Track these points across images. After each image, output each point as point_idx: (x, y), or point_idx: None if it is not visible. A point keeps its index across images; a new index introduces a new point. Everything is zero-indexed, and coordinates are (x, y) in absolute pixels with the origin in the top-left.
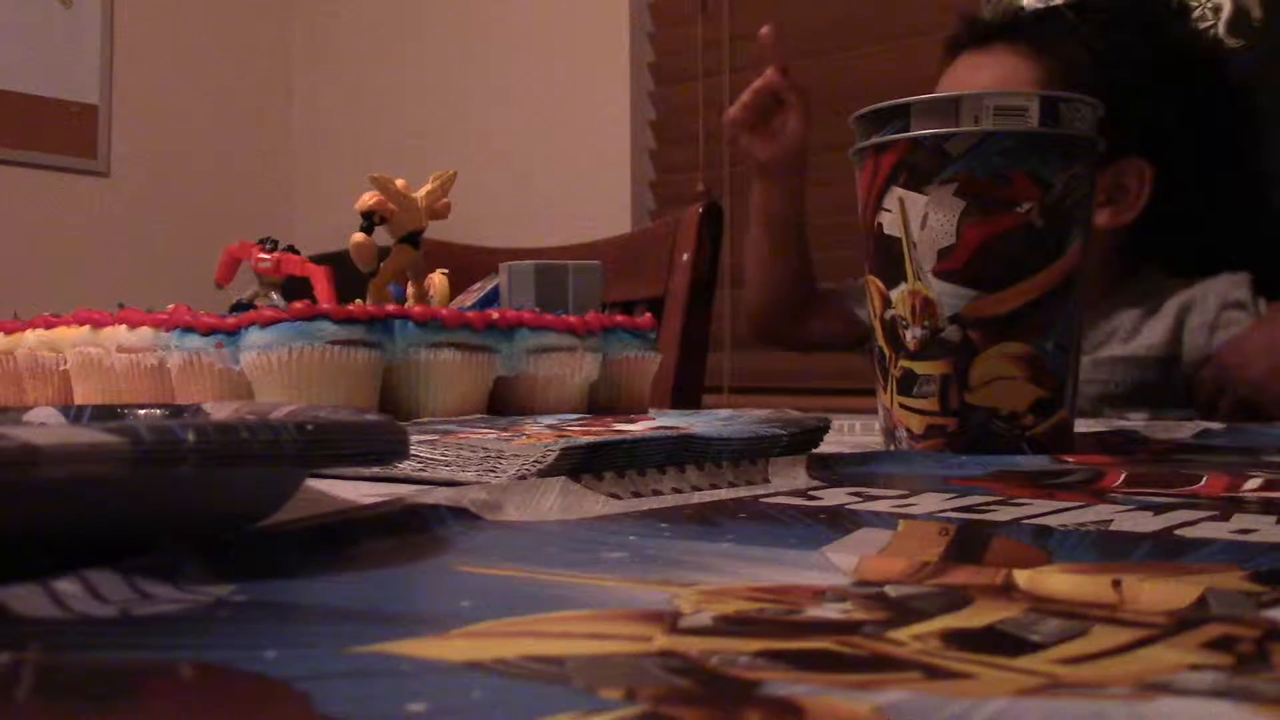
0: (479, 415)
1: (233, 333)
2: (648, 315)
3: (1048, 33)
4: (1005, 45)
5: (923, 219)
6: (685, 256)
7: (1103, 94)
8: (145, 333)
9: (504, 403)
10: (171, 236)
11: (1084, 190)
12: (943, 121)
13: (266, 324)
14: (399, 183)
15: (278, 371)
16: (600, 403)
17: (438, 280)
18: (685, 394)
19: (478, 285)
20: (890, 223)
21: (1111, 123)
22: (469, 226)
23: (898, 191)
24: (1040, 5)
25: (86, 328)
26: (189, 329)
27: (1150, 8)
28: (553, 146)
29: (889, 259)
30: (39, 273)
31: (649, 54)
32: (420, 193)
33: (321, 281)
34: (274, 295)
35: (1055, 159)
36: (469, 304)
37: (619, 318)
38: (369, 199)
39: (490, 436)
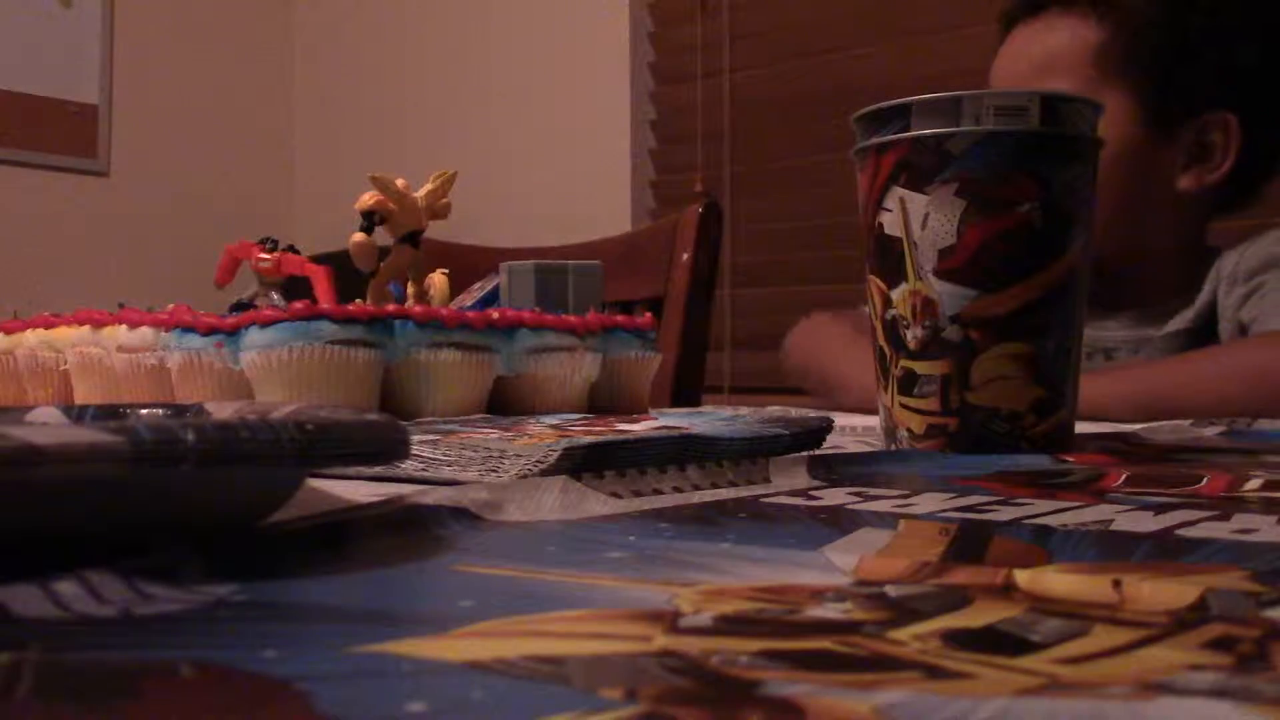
0: (481, 415)
1: (233, 332)
2: (648, 315)
3: None
4: (1060, 9)
5: (923, 219)
6: (685, 256)
7: (1173, 45)
8: (145, 332)
9: (504, 402)
10: (171, 236)
11: (1085, 190)
12: (944, 121)
13: (266, 324)
14: (399, 182)
15: (278, 371)
16: (600, 403)
17: (438, 280)
18: (685, 393)
19: (478, 285)
20: (891, 222)
21: (1186, 74)
22: (469, 226)
23: (899, 191)
24: None
25: (86, 327)
26: (189, 329)
27: None
28: (553, 146)
29: (890, 259)
30: (39, 273)
31: (649, 54)
32: (420, 192)
33: (321, 281)
34: (274, 295)
35: (1056, 159)
36: (469, 304)
37: (619, 318)
38: (369, 199)
39: (493, 436)
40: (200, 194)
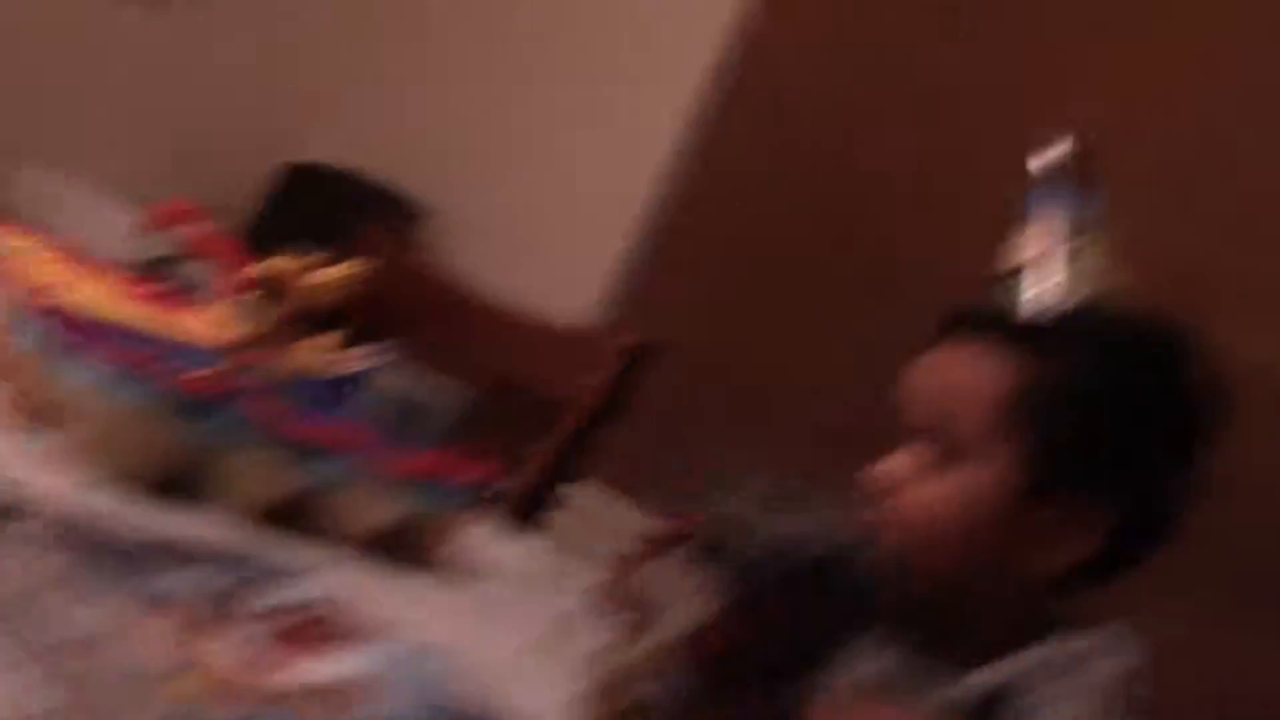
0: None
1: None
2: (492, 465)
3: (1032, 343)
4: (985, 345)
5: None
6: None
7: (1076, 425)
8: None
9: (302, 515)
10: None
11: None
12: None
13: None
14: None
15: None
16: (399, 545)
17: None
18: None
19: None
20: None
21: (1079, 455)
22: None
23: None
24: (1044, 308)
25: None
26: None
27: (1165, 345)
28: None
29: None
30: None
31: None
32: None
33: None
34: (190, 269)
35: None
36: (336, 373)
37: (451, 466)
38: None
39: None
40: None
